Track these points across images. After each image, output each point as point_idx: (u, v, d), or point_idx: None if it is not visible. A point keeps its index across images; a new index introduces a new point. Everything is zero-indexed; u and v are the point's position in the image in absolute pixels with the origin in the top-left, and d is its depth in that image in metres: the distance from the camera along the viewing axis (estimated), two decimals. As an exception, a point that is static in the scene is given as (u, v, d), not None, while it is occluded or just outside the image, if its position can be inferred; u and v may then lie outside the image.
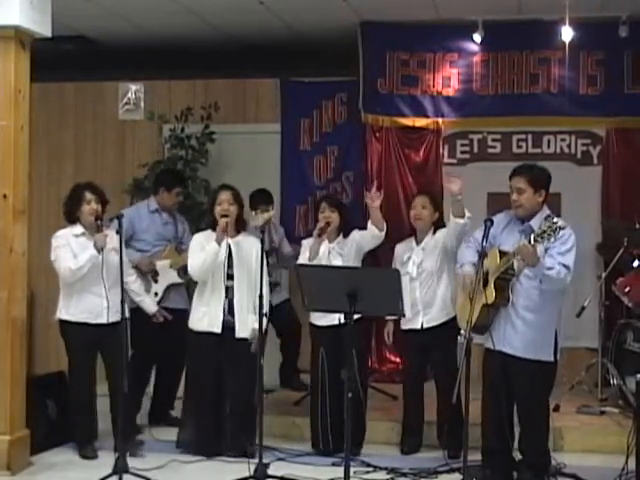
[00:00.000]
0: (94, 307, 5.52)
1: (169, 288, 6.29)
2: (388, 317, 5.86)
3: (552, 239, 4.46)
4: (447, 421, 5.38)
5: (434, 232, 5.73)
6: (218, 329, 5.54)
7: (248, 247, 5.58)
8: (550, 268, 4.60)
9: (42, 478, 5.31)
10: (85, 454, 5.64)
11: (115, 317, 5.42)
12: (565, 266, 4.65)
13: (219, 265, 5.55)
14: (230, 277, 5.58)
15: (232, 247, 5.59)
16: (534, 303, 4.77)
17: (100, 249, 5.41)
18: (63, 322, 5.63)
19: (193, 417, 5.68)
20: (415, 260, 5.69)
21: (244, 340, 5.52)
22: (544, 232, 4.39)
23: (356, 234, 5.77)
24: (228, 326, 5.54)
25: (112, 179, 7.50)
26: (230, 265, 5.58)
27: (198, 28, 7.29)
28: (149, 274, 6.22)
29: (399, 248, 5.87)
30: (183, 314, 6.31)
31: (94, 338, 5.55)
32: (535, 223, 4.76)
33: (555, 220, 4.41)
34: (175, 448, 5.70)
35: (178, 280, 6.30)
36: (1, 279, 5.35)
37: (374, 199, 5.58)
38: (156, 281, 6.24)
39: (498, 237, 4.92)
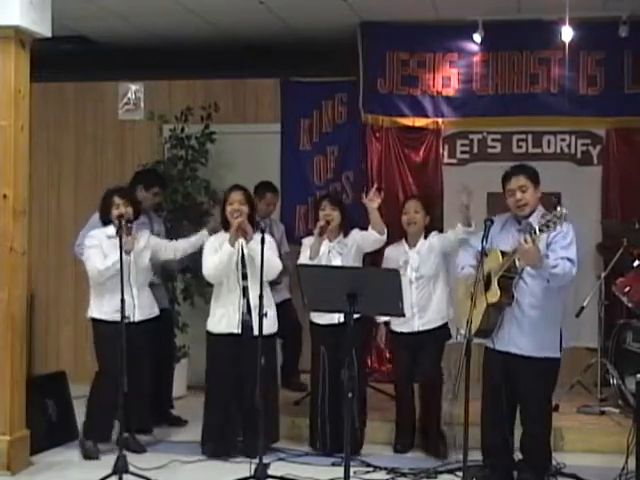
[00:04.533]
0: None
1: None
2: (380, 319, 5.88)
3: (557, 226, 4.41)
4: (429, 424, 5.52)
5: (425, 236, 5.77)
6: (237, 329, 5.52)
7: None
8: (555, 266, 4.60)
9: (42, 478, 5.32)
10: (89, 454, 5.65)
11: (142, 316, 5.62)
12: (570, 260, 4.66)
13: (234, 266, 5.54)
14: (245, 277, 5.57)
15: (244, 247, 5.56)
16: (539, 300, 4.77)
17: (128, 252, 5.47)
18: (95, 320, 5.68)
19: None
20: (413, 265, 5.71)
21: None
22: (549, 221, 4.37)
23: (357, 234, 5.77)
24: (247, 325, 5.51)
25: (112, 179, 7.48)
26: (244, 265, 5.57)
27: (198, 28, 7.28)
28: None
29: (390, 251, 5.88)
30: (165, 313, 6.31)
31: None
32: (534, 220, 4.75)
33: (557, 209, 4.37)
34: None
35: (155, 280, 6.20)
36: (1, 279, 5.35)
37: (373, 199, 5.58)
38: None
39: (495, 238, 4.90)
